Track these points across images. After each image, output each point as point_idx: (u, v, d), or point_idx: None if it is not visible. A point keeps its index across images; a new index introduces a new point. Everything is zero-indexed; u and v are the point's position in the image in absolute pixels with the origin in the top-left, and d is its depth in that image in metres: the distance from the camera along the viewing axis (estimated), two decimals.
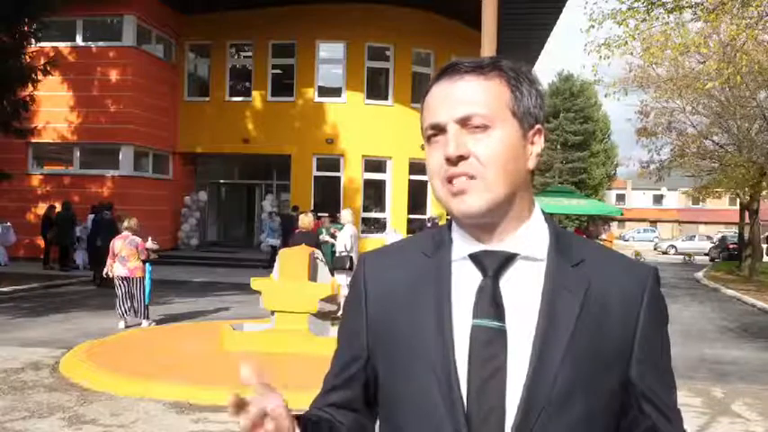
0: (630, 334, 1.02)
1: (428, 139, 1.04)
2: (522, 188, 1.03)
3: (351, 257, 10.65)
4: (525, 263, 1.03)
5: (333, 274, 10.08)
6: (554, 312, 0.99)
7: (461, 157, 0.98)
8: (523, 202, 1.04)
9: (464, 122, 0.99)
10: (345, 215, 11.32)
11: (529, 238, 1.04)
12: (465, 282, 1.03)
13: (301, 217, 10.82)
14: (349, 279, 10.51)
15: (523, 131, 1.02)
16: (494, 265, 1.02)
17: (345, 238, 10.78)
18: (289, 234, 14.06)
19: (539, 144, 1.05)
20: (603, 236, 17.04)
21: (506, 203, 1.01)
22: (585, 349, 0.98)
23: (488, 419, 0.96)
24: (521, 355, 0.97)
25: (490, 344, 0.98)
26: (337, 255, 10.76)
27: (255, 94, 21.60)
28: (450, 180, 1.00)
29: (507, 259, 1.02)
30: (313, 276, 8.18)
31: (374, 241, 18.30)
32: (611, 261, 1.07)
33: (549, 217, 1.09)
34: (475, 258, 1.03)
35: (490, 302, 1.00)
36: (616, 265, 1.06)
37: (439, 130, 1.01)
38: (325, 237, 12.24)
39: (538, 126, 1.04)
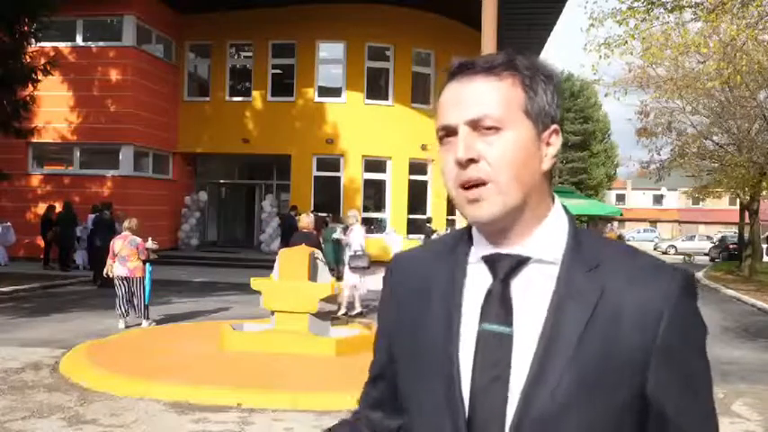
0: (647, 345, 0.94)
1: (441, 140, 1.02)
2: (537, 191, 1.00)
3: (368, 256, 10.75)
4: (538, 266, 1.00)
5: (335, 273, 10.10)
6: (561, 320, 0.95)
7: (472, 161, 0.96)
8: (539, 205, 1.01)
9: (475, 124, 0.97)
10: (354, 215, 11.41)
11: (544, 241, 1.01)
12: (478, 284, 1.02)
13: (302, 217, 10.86)
14: (363, 278, 10.64)
15: (537, 132, 1.00)
16: (505, 269, 1.00)
17: (360, 238, 10.86)
18: (288, 234, 14.06)
19: (555, 145, 1.02)
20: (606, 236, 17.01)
21: (520, 207, 0.98)
22: (591, 360, 0.93)
23: (488, 424, 0.95)
24: (525, 362, 0.95)
25: (495, 348, 0.97)
26: (352, 254, 10.80)
27: (255, 94, 21.60)
28: (463, 186, 0.98)
29: (519, 263, 1.00)
30: (313, 276, 8.18)
31: (374, 241, 18.30)
32: (632, 264, 0.99)
33: (570, 217, 1.05)
34: (488, 261, 1.02)
35: (498, 306, 0.99)
36: (637, 270, 0.98)
37: (450, 131, 0.99)
38: (339, 236, 12.31)
39: (554, 126, 1.02)
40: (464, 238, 1.08)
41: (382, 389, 1.16)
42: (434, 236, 15.77)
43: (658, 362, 0.94)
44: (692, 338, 0.98)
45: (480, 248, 1.04)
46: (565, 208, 1.06)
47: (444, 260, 1.07)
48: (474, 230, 1.06)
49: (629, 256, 1.01)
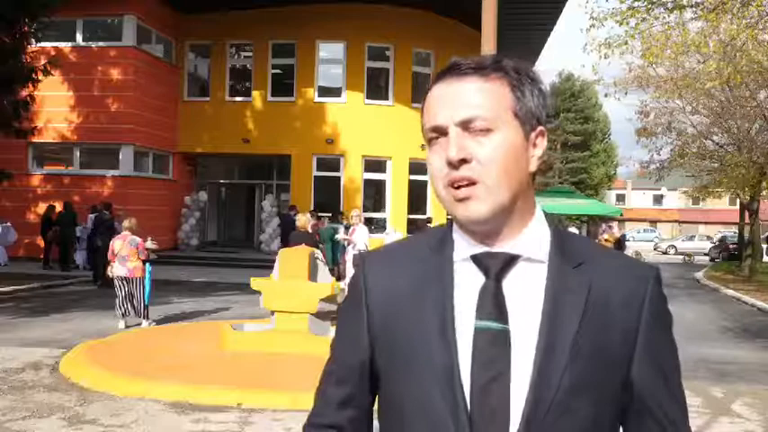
0: (632, 334, 1.01)
1: (429, 141, 1.03)
2: (525, 191, 1.02)
3: None
4: (527, 264, 1.02)
5: (335, 273, 10.10)
6: (557, 314, 0.99)
7: (463, 161, 0.97)
8: (525, 205, 1.03)
9: (465, 125, 0.98)
10: (358, 215, 11.46)
11: (530, 240, 1.03)
12: (467, 283, 1.03)
13: (299, 216, 10.92)
14: None
15: (525, 133, 1.01)
16: (496, 267, 1.01)
17: (364, 238, 10.91)
18: (288, 234, 14.08)
19: (541, 146, 1.04)
20: (605, 236, 16.83)
21: (509, 207, 1.00)
22: (589, 350, 0.98)
23: (492, 421, 0.96)
24: (524, 357, 0.97)
25: (493, 345, 0.98)
26: (356, 253, 10.86)
27: (255, 94, 21.60)
28: (452, 185, 0.99)
29: (509, 261, 1.02)
30: (313, 276, 8.19)
31: (374, 241, 18.28)
32: (612, 262, 1.06)
33: (549, 218, 1.08)
34: (477, 260, 1.03)
35: (493, 304, 1.00)
36: (617, 266, 1.06)
37: (440, 132, 1.00)
38: (342, 236, 12.37)
39: (540, 128, 1.03)
40: (446, 237, 1.08)
41: (350, 416, 1.12)
42: None
43: (640, 347, 1.02)
44: (664, 318, 1.06)
45: (466, 247, 1.04)
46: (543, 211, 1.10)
47: (429, 260, 1.07)
48: (455, 229, 1.07)
49: (608, 254, 1.10)
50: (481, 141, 0.98)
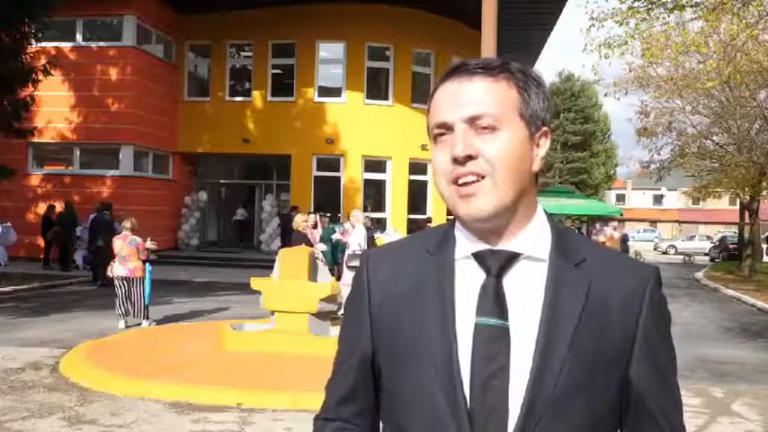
0: (631, 334, 1.02)
1: (435, 138, 1.04)
2: (528, 190, 1.04)
3: None
4: (528, 262, 1.03)
5: (334, 273, 10.10)
6: (556, 311, 1.00)
7: (469, 157, 0.98)
8: (528, 204, 1.05)
9: (472, 122, 0.99)
10: (358, 216, 11.45)
11: (532, 239, 1.04)
12: (468, 280, 1.04)
13: (296, 217, 10.94)
14: None
15: (530, 134, 1.03)
16: (497, 265, 1.02)
17: (360, 238, 10.90)
18: (288, 234, 14.07)
19: (544, 147, 1.05)
20: (601, 237, 16.70)
21: (512, 206, 1.01)
22: (588, 348, 0.99)
23: (491, 417, 0.97)
24: (524, 354, 0.98)
25: (493, 342, 0.99)
26: (350, 253, 10.84)
27: (255, 94, 21.60)
28: (456, 181, 0.99)
29: (510, 259, 1.03)
30: (313, 276, 8.19)
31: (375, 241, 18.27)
32: (612, 261, 1.07)
33: (550, 217, 1.09)
34: (478, 257, 1.04)
35: (493, 301, 1.01)
36: (617, 266, 1.06)
37: (446, 129, 1.01)
38: (338, 236, 12.37)
39: (544, 128, 1.05)
40: (448, 235, 1.09)
41: (353, 411, 1.13)
42: None
43: (639, 346, 1.02)
44: (663, 319, 1.06)
45: (467, 245, 1.05)
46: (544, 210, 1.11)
47: (430, 257, 1.08)
48: (458, 227, 1.08)
49: (609, 254, 1.10)
50: (487, 139, 0.99)
